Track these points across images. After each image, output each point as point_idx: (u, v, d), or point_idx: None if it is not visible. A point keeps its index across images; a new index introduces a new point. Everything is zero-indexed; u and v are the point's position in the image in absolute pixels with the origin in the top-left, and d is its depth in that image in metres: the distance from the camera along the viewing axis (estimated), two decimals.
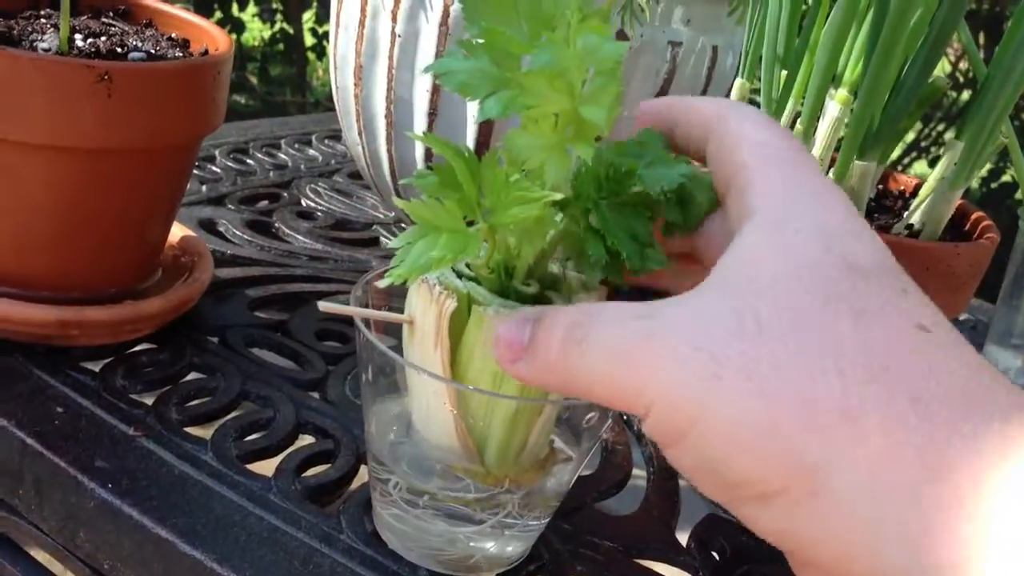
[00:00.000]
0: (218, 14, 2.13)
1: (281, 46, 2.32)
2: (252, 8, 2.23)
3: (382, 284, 0.35)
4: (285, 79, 2.32)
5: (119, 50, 0.47)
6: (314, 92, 2.22)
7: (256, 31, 2.42)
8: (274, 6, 2.30)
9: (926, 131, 2.47)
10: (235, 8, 2.15)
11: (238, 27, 2.18)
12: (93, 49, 0.46)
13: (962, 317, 0.81)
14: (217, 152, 0.78)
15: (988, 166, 2.22)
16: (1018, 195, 2.24)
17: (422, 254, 0.32)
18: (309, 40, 2.33)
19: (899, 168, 2.22)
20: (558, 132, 0.32)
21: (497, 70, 0.34)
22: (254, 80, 2.26)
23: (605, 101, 0.32)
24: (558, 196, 0.33)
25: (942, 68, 2.37)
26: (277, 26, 2.31)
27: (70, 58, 0.43)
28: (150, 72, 0.43)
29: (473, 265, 0.37)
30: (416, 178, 0.35)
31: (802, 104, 0.46)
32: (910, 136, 2.30)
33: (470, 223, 0.35)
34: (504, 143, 0.32)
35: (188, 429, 0.44)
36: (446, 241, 0.32)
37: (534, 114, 0.32)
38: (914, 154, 2.48)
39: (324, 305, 0.36)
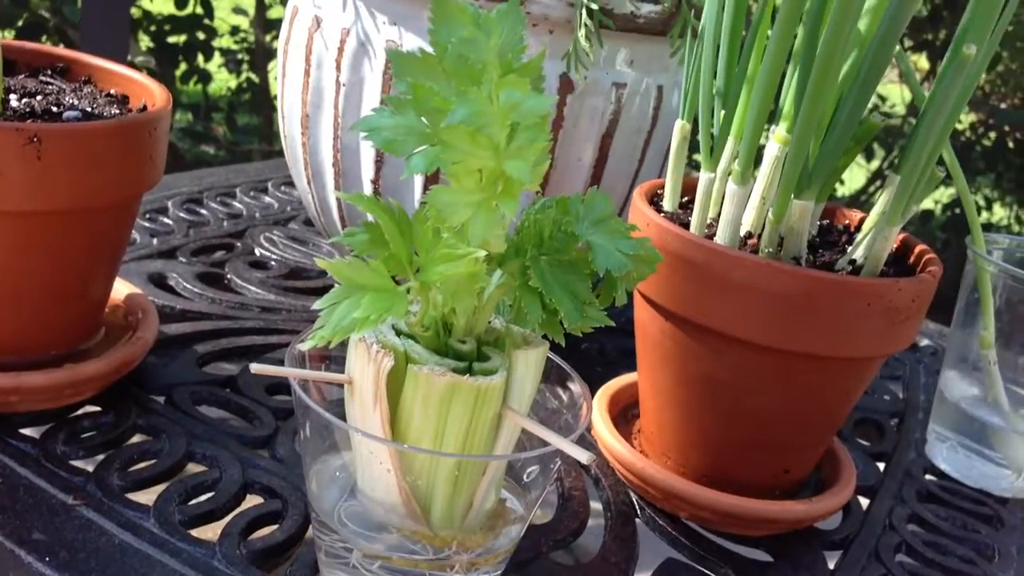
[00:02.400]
0: (183, 66, 2.13)
1: (248, 95, 2.32)
2: (218, 59, 2.23)
3: (304, 347, 0.34)
4: (252, 128, 2.32)
5: (54, 109, 0.46)
6: (280, 140, 2.22)
7: (222, 81, 2.42)
8: (239, 56, 2.30)
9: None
10: (200, 59, 2.15)
11: (204, 78, 2.18)
12: (28, 109, 0.46)
13: (923, 343, 0.81)
14: (170, 203, 0.77)
15: (951, 191, 2.25)
16: (981, 221, 2.27)
17: (346, 315, 0.32)
18: (275, 89, 2.33)
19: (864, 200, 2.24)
20: (483, 188, 0.32)
21: (423, 126, 0.33)
22: (221, 130, 2.26)
23: (530, 156, 0.32)
24: (483, 253, 0.32)
25: (902, 98, 2.41)
26: (243, 76, 2.32)
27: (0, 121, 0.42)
28: (81, 132, 0.42)
29: (408, 323, 0.37)
30: (344, 236, 0.34)
31: (740, 143, 0.46)
32: (875, 165, 2.33)
33: (402, 281, 0.35)
34: (427, 200, 0.32)
35: (131, 495, 0.43)
36: (370, 301, 0.32)
37: (457, 170, 0.32)
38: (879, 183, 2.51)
39: (257, 367, 0.36)
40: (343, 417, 0.37)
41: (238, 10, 2.44)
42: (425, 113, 0.33)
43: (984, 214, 2.34)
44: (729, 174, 0.47)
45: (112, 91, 0.52)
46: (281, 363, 0.38)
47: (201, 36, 2.16)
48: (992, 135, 2.28)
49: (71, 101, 0.48)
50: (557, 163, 0.58)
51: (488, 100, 0.32)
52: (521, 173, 0.31)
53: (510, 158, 0.32)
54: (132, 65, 0.84)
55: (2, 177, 0.41)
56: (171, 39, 2.13)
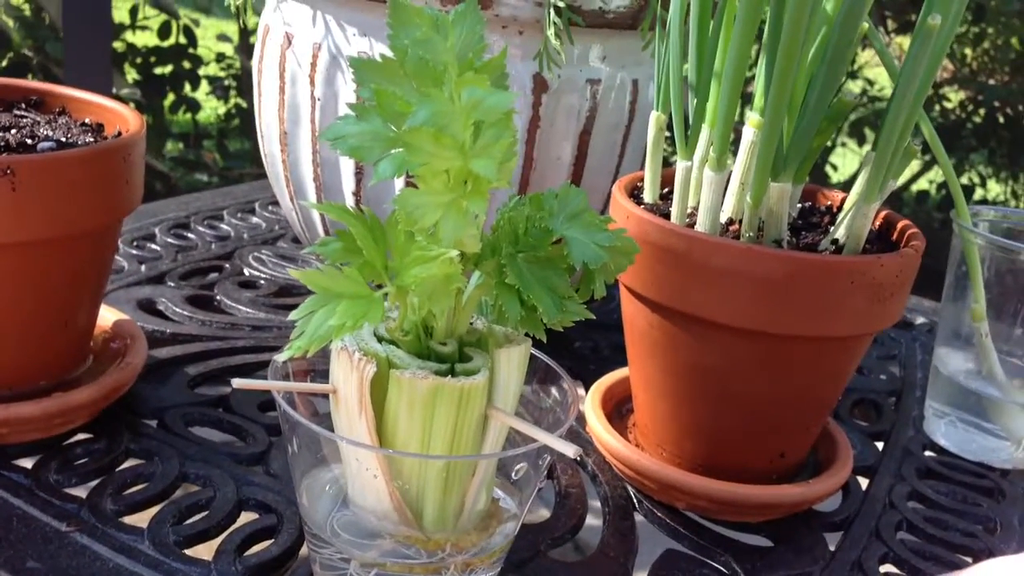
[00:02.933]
0: (171, 96, 2.13)
1: (236, 121, 2.33)
2: (205, 87, 2.24)
3: (281, 358, 0.34)
4: (243, 153, 2.33)
5: (29, 141, 0.47)
6: None
7: (211, 109, 2.42)
8: (226, 83, 2.30)
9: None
10: (188, 88, 2.16)
11: (193, 107, 2.18)
12: (2, 143, 0.46)
13: (918, 321, 0.81)
14: (156, 229, 0.77)
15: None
16: (975, 197, 2.27)
17: (321, 323, 0.32)
18: None
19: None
20: (451, 188, 0.32)
21: (389, 130, 0.33)
22: (213, 157, 2.26)
23: (496, 153, 0.32)
24: (455, 253, 0.32)
25: (885, 79, 2.41)
26: (231, 102, 2.32)
27: None
28: (55, 161, 0.43)
29: (388, 329, 0.37)
30: (318, 246, 0.34)
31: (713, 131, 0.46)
32: (867, 149, 2.33)
33: (379, 287, 0.35)
34: (396, 203, 0.32)
35: (126, 519, 0.43)
36: (345, 308, 0.32)
37: (424, 172, 0.32)
38: None
39: (239, 382, 0.36)
40: (331, 429, 0.37)
41: (222, 37, 2.45)
42: (390, 118, 0.33)
43: (979, 191, 2.33)
44: (705, 162, 0.47)
45: (87, 120, 0.52)
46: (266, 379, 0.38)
47: (187, 65, 2.16)
48: (982, 112, 2.28)
49: (46, 132, 0.49)
50: (536, 163, 0.58)
51: (449, 100, 0.32)
52: (488, 171, 0.31)
53: (476, 156, 0.32)
54: (118, 98, 0.84)
55: None
56: (157, 70, 2.14)
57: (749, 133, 0.46)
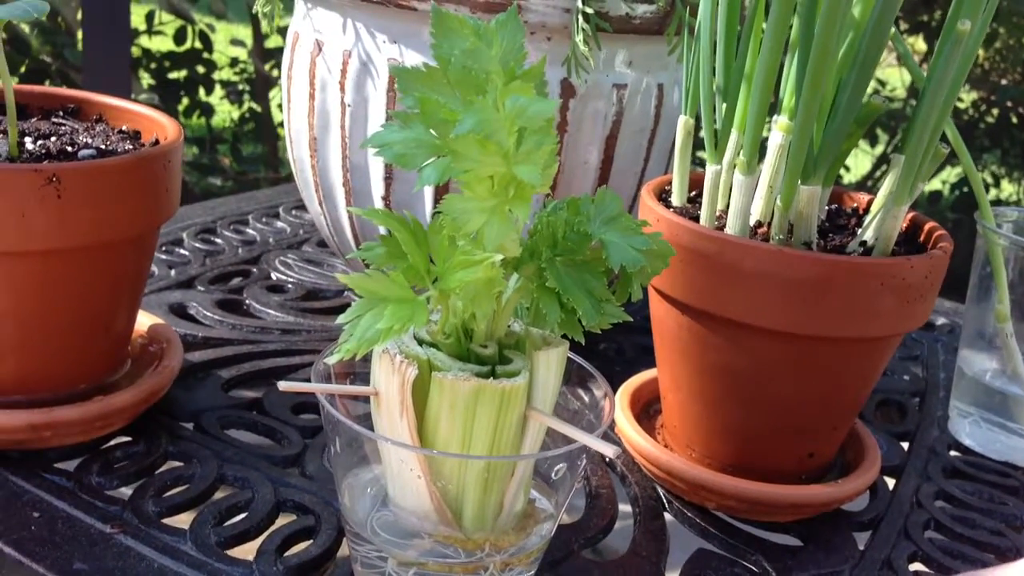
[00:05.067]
0: (185, 101, 2.15)
1: (251, 125, 2.34)
2: (219, 91, 2.25)
3: (331, 361, 0.35)
4: (257, 157, 2.34)
5: (69, 149, 0.47)
6: (286, 166, 2.24)
7: (225, 113, 2.44)
8: (240, 87, 2.32)
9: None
10: (202, 93, 2.17)
11: (207, 111, 2.20)
12: (43, 151, 0.47)
13: (939, 322, 0.82)
14: (185, 234, 0.78)
15: (958, 170, 2.25)
16: (988, 196, 2.26)
17: (369, 327, 0.32)
18: (278, 116, 2.36)
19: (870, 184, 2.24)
20: (495, 193, 0.33)
21: (433, 138, 0.34)
22: (227, 161, 2.28)
23: (539, 160, 0.33)
24: (499, 257, 0.33)
25: (902, 82, 2.41)
26: (245, 106, 2.34)
27: (18, 163, 0.43)
28: (98, 169, 0.43)
29: (429, 331, 0.37)
30: (361, 251, 0.35)
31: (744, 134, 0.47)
32: (879, 150, 2.33)
33: (422, 291, 0.36)
34: (442, 209, 0.33)
35: (167, 520, 0.44)
36: (392, 311, 0.33)
37: (469, 178, 0.32)
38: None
39: (284, 385, 0.36)
40: (371, 430, 0.38)
41: (236, 42, 2.46)
42: (433, 125, 0.34)
43: (992, 191, 2.33)
44: (735, 165, 0.47)
45: (124, 127, 0.53)
46: (306, 381, 0.39)
47: (201, 70, 2.18)
48: (995, 111, 2.27)
49: (85, 140, 0.49)
50: (564, 167, 0.59)
51: (494, 108, 0.32)
52: (531, 177, 0.32)
53: (520, 163, 0.32)
54: (138, 103, 0.85)
55: (24, 218, 0.42)
56: (172, 75, 2.15)
57: (777, 137, 0.47)
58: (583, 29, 0.54)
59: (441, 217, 0.34)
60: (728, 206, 0.48)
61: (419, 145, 0.34)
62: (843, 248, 0.48)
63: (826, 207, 0.53)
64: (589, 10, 0.53)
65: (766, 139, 0.47)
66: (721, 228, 0.48)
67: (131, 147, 0.49)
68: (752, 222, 0.48)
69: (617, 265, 0.36)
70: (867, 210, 0.53)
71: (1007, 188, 2.40)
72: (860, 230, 0.49)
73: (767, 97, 0.45)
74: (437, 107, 0.34)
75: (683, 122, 0.51)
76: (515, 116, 0.32)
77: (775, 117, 0.47)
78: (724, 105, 0.49)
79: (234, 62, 2.36)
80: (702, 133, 0.50)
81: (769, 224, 0.48)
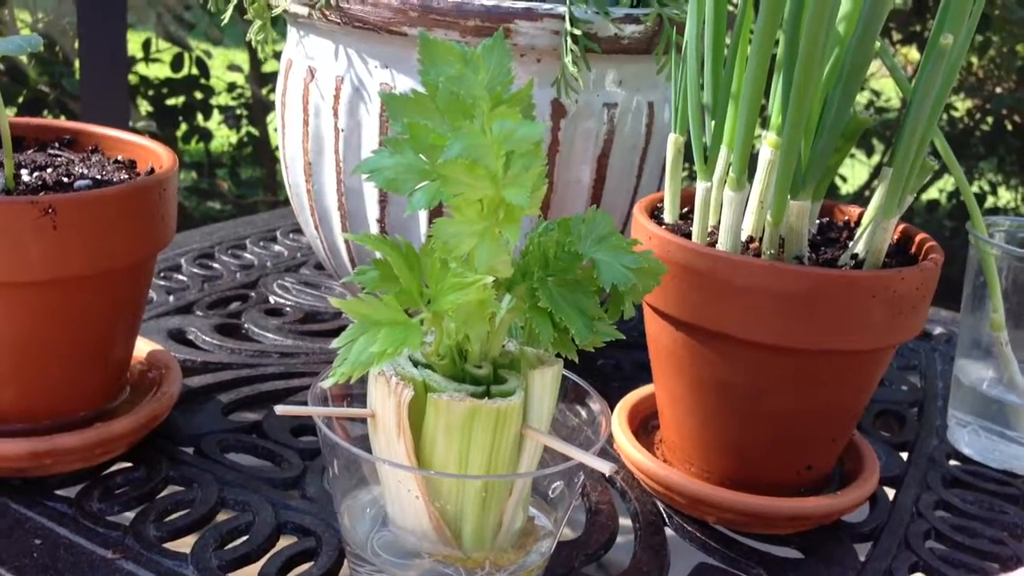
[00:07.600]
0: (183, 126, 2.16)
1: (249, 149, 2.36)
2: (217, 116, 2.27)
3: (325, 384, 0.35)
4: (256, 181, 2.36)
5: (65, 180, 0.48)
6: (284, 189, 2.26)
7: (223, 138, 2.46)
8: (238, 112, 2.33)
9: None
10: (200, 118, 2.19)
11: (205, 136, 2.21)
12: (40, 182, 0.47)
13: (936, 331, 0.82)
14: (183, 260, 0.78)
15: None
16: (986, 204, 2.27)
17: (363, 350, 0.33)
18: (275, 140, 2.38)
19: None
20: (485, 217, 0.33)
21: (422, 163, 0.35)
22: (226, 185, 2.29)
23: (527, 182, 0.33)
24: (490, 279, 0.33)
25: (896, 93, 2.42)
26: (243, 130, 2.35)
27: (14, 196, 0.44)
28: (94, 199, 0.44)
29: (425, 353, 0.38)
30: (355, 275, 0.35)
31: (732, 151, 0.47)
32: (876, 160, 2.33)
33: (415, 313, 0.36)
34: (433, 232, 0.33)
35: (168, 545, 0.44)
36: (386, 335, 0.33)
37: (458, 202, 0.33)
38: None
39: (281, 409, 0.37)
40: (369, 451, 0.38)
41: (233, 67, 2.48)
42: (423, 150, 0.35)
43: (989, 199, 2.34)
44: (725, 182, 0.48)
45: (119, 157, 0.53)
46: (304, 404, 0.39)
47: (199, 96, 2.19)
48: (990, 120, 2.29)
49: (81, 171, 0.50)
50: (556, 187, 0.59)
51: (482, 132, 0.33)
52: (520, 199, 0.32)
53: (508, 186, 0.33)
54: (135, 131, 0.85)
55: (21, 249, 0.43)
56: (169, 101, 2.17)
57: (767, 152, 0.47)
58: (572, 50, 0.54)
59: (432, 240, 0.34)
60: (719, 222, 0.48)
61: (409, 170, 0.34)
62: (834, 261, 0.48)
63: (817, 221, 0.53)
64: (578, 31, 0.54)
65: (756, 155, 0.48)
66: (713, 244, 0.48)
67: (126, 177, 0.50)
68: (744, 237, 0.49)
69: (608, 284, 0.37)
70: (858, 223, 0.53)
71: (1004, 195, 2.41)
72: (851, 243, 0.49)
73: (754, 114, 0.46)
74: (426, 133, 0.34)
75: (673, 140, 0.52)
76: (502, 140, 0.33)
77: (764, 133, 0.48)
78: (712, 123, 0.49)
79: (231, 87, 2.37)
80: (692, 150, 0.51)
81: (760, 239, 0.48)
